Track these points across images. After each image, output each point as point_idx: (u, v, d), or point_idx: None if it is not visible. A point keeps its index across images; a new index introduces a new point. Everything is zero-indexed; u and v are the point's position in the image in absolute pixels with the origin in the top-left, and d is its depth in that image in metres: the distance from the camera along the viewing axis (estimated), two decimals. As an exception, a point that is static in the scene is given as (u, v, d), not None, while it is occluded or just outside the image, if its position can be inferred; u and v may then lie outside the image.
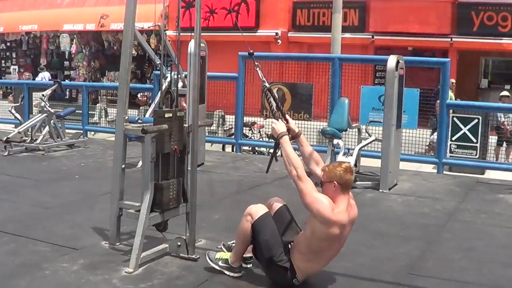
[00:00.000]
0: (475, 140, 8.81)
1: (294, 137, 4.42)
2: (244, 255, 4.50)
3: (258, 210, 4.35)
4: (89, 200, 6.68)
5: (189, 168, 4.86)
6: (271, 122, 4.36)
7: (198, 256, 4.73)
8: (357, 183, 7.79)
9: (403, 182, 8.13)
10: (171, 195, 4.80)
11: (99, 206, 6.26)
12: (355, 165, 8.14)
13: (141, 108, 14.12)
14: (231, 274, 4.42)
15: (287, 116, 4.51)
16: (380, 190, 7.59)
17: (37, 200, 6.64)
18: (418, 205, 6.98)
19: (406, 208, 6.80)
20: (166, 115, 4.63)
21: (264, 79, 4.52)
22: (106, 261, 4.70)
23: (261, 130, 11.49)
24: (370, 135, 8.55)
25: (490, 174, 9.77)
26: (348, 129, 8.29)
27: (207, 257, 4.53)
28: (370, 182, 7.82)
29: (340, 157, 8.11)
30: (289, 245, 4.27)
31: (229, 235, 4.96)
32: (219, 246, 4.78)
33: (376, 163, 8.52)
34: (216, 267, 4.46)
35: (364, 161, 8.91)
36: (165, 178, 4.76)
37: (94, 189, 7.16)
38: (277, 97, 4.61)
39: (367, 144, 8.36)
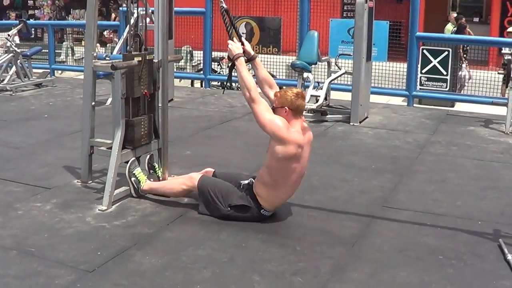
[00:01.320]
0: (445, 73, 8.82)
1: (250, 59, 4.37)
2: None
3: (197, 177, 4.42)
4: (60, 139, 6.55)
5: (160, 104, 4.76)
6: (228, 44, 4.28)
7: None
8: (327, 116, 7.81)
9: (374, 115, 8.16)
10: (142, 132, 4.72)
11: (69, 144, 6.15)
12: (325, 98, 8.12)
13: (108, 45, 13.76)
14: (133, 193, 4.61)
15: (243, 39, 4.45)
16: (351, 123, 7.61)
17: (6, 140, 6.48)
18: (389, 137, 7.02)
19: (377, 141, 6.84)
20: (136, 59, 4.50)
21: (222, 1, 4.44)
22: (79, 199, 4.63)
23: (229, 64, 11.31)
24: (340, 68, 8.49)
25: (460, 107, 9.88)
26: (317, 62, 8.23)
27: (128, 164, 4.58)
28: (341, 116, 7.83)
29: (310, 91, 8.07)
30: (245, 184, 4.29)
31: (200, 170, 4.98)
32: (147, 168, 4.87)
33: (346, 96, 8.52)
34: (127, 175, 4.58)
35: (334, 95, 8.91)
36: (136, 115, 4.66)
37: (63, 128, 7.03)
38: (233, 18, 4.50)
39: (337, 77, 8.31)
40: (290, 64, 8.45)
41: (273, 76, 11.05)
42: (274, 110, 4.15)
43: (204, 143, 6.51)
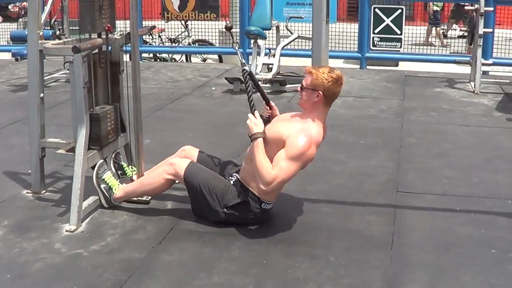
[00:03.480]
0: (399, 32, 8.29)
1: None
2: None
3: (181, 162, 3.59)
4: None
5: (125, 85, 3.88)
6: (247, 118, 3.42)
7: (149, 197, 3.83)
8: (287, 86, 7.08)
9: (331, 81, 7.49)
10: (109, 126, 3.82)
11: (4, 142, 5.09)
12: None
13: (20, 20, 12.10)
14: (104, 203, 3.72)
15: (272, 103, 3.71)
16: (313, 93, 6.91)
17: None
18: (361, 106, 6.42)
19: (350, 111, 6.21)
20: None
21: (243, 61, 3.57)
22: (37, 217, 3.68)
23: (161, 34, 10.30)
24: (292, 33, 7.77)
25: (404, 66, 9.43)
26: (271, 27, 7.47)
27: (96, 169, 3.69)
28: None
29: (261, 59, 7.32)
30: (234, 181, 3.56)
31: None
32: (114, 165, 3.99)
33: (295, 62, 7.85)
34: (95, 183, 3.68)
35: (283, 61, 8.17)
36: (97, 105, 3.75)
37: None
38: (258, 83, 3.74)
39: (289, 42, 7.60)
40: (244, 31, 7.64)
41: (210, 44, 10.19)
42: (302, 89, 3.38)
43: (160, 128, 5.61)
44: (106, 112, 3.77)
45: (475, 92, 6.86)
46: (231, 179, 3.60)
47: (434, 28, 12.98)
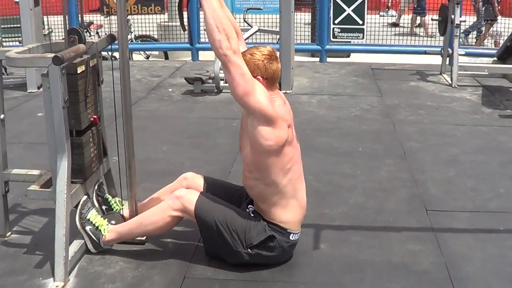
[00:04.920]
0: (360, 22, 7.82)
1: None
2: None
3: (189, 195, 2.91)
4: None
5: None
6: None
7: (144, 236, 3.13)
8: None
9: (296, 77, 6.94)
10: (92, 153, 3.09)
11: None
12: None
13: None
14: (92, 248, 3.00)
15: None
16: (283, 91, 6.30)
17: None
18: (340, 105, 5.91)
19: (331, 112, 5.68)
20: (79, 70, 2.86)
21: None
22: (9, 271, 2.90)
23: (99, 30, 9.36)
24: (251, 26, 7.15)
25: (356, 58, 9.01)
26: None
27: (79, 208, 2.97)
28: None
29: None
30: (252, 211, 2.96)
31: (149, 185, 3.68)
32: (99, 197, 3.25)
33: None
34: (79, 226, 2.95)
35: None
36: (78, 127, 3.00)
37: None
38: None
39: (250, 36, 6.98)
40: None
41: (154, 39, 9.37)
42: None
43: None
44: (89, 136, 3.03)
45: (453, 86, 6.50)
46: (249, 210, 2.98)
47: (419, 17, 12.26)
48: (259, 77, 2.77)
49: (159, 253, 3.06)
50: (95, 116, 3.08)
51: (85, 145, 2.98)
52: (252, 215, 2.92)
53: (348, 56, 9.36)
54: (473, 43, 10.98)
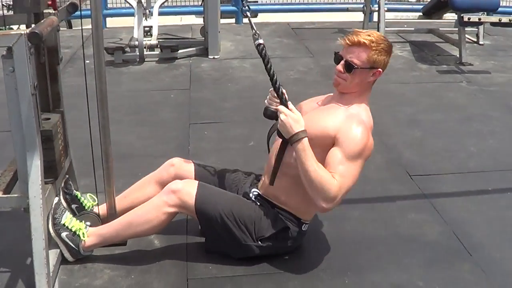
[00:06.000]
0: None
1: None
2: None
3: (187, 187, 2.54)
4: None
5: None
6: (279, 112, 2.41)
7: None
8: (179, 52, 6.01)
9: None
10: (60, 145, 2.63)
11: None
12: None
13: None
14: (69, 257, 2.58)
15: (283, 89, 2.52)
16: (211, 57, 5.97)
17: None
18: (275, 69, 5.59)
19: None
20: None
21: (257, 31, 2.57)
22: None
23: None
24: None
25: (263, 18, 8.73)
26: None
27: (52, 212, 2.54)
28: (194, 48, 6.08)
29: (137, 21, 6.14)
30: (255, 195, 2.66)
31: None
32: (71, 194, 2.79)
33: (175, 21, 6.83)
34: (53, 233, 2.52)
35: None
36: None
37: None
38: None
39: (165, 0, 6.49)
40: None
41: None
42: (353, 69, 2.44)
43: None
44: (56, 126, 2.56)
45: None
46: (253, 192, 2.67)
47: None
48: (380, 69, 2.46)
49: (147, 255, 2.67)
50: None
51: (55, 137, 2.51)
52: (258, 203, 2.61)
53: (256, 16, 9.04)
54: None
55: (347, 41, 2.49)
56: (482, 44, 6.27)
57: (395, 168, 3.56)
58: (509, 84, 5.16)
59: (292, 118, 2.38)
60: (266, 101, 2.53)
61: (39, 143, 2.35)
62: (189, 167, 2.77)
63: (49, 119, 2.58)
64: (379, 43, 2.44)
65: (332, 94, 2.63)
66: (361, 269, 2.59)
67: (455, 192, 3.27)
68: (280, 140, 2.49)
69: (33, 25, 2.32)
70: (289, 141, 2.39)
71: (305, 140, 2.35)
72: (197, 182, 2.58)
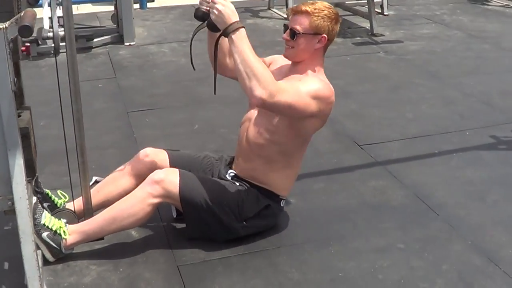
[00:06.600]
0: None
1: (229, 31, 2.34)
2: None
3: (170, 176, 2.51)
4: None
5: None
6: (214, 4, 2.30)
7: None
8: (95, 40, 5.80)
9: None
10: (33, 142, 2.50)
11: None
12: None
13: None
14: (50, 257, 2.48)
15: None
16: (127, 43, 5.82)
17: None
18: (195, 52, 5.53)
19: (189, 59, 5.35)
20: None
21: None
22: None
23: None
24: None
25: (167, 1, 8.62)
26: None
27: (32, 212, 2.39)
28: (109, 36, 5.90)
29: (47, 11, 5.87)
30: (233, 176, 2.70)
31: (57, 167, 3.19)
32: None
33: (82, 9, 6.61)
34: (34, 234, 2.31)
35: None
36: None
37: None
38: None
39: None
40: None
41: None
42: (296, 35, 2.45)
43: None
44: (29, 123, 2.42)
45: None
46: (230, 173, 2.70)
47: None
48: (324, 35, 2.45)
49: (129, 247, 2.61)
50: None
51: (31, 133, 2.38)
52: (237, 183, 2.62)
53: (153, 1, 8.87)
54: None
55: (291, 11, 2.54)
56: (387, 15, 6.57)
57: (343, 139, 3.68)
58: (424, 51, 5.47)
59: (229, 8, 2.31)
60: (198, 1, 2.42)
61: (20, 142, 2.22)
62: (163, 156, 2.73)
63: (20, 116, 2.43)
64: (321, 9, 2.47)
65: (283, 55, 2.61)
66: (342, 238, 2.68)
67: (406, 158, 3.44)
68: (252, 110, 2.61)
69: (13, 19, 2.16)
70: (224, 33, 2.33)
71: (243, 30, 2.31)
72: (178, 170, 2.55)
